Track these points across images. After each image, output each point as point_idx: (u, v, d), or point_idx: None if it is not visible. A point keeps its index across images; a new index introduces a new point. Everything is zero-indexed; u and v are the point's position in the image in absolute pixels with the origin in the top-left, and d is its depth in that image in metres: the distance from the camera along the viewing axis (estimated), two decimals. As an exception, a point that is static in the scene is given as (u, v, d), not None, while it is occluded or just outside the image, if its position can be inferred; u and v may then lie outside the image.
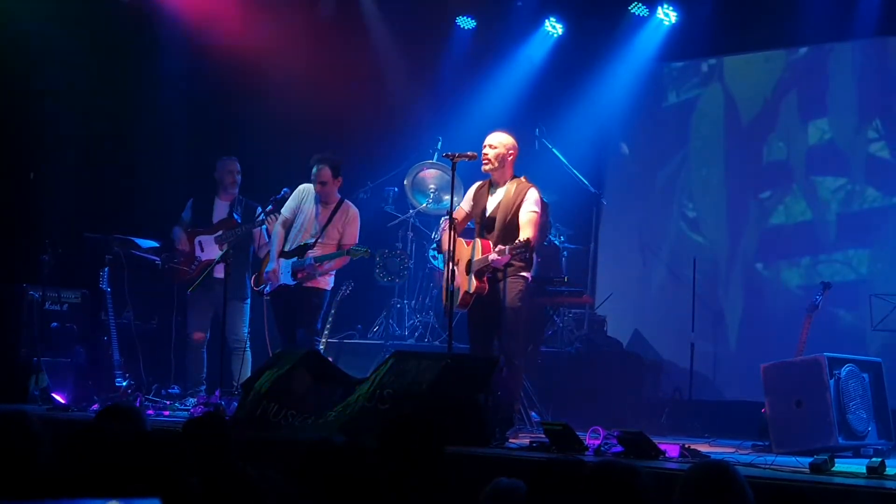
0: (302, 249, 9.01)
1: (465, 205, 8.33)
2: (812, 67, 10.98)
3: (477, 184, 8.41)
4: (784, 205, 10.91)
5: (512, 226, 7.96)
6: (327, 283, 9.18)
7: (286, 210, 9.25)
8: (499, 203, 8.10)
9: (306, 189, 9.24)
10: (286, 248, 9.14)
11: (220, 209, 9.98)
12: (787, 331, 9.42)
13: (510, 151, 8.18)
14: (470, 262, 8.03)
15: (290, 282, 9.01)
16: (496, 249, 7.73)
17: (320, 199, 9.15)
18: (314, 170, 9.07)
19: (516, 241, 7.65)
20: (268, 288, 9.13)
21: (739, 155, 11.23)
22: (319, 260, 8.96)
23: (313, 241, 9.02)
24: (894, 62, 10.53)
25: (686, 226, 11.45)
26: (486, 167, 8.17)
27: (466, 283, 7.99)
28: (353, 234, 9.12)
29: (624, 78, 11.67)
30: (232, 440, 4.96)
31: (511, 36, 12.06)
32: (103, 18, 10.59)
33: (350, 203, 9.28)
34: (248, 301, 9.89)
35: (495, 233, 8.02)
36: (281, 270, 9.06)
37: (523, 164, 8.68)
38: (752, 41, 11.09)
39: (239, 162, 10.05)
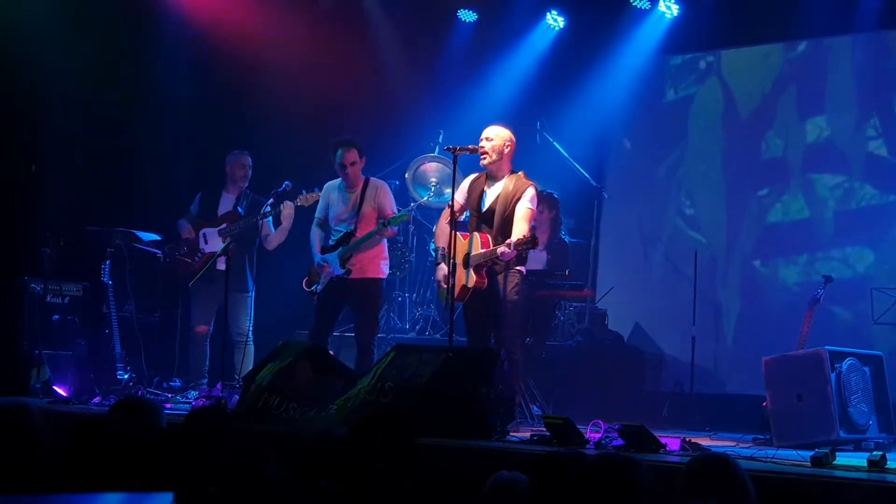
0: (346, 237, 8.98)
1: (459, 196, 8.24)
2: (811, 63, 10.98)
3: (472, 176, 8.36)
4: (782, 202, 10.91)
5: (510, 220, 7.96)
6: (381, 270, 9.07)
7: (318, 211, 9.22)
8: (497, 197, 8.07)
9: (329, 185, 9.24)
10: (329, 244, 9.11)
11: (226, 202, 9.98)
12: (788, 325, 9.43)
13: (507, 144, 8.15)
14: (467, 256, 8.03)
15: (340, 271, 8.92)
16: (505, 243, 7.73)
17: (345, 186, 9.10)
18: (339, 153, 9.00)
19: (520, 237, 7.65)
20: (319, 287, 9.03)
21: (739, 151, 11.22)
22: (361, 240, 8.89)
23: (353, 226, 8.97)
24: (894, 58, 10.52)
25: (686, 221, 11.44)
26: (485, 160, 8.15)
27: (464, 277, 7.99)
28: (388, 205, 9.04)
29: (625, 71, 11.67)
30: (233, 433, 4.97)
31: (512, 29, 12.05)
32: (106, 10, 10.57)
33: (375, 178, 9.24)
34: (251, 294, 9.89)
35: (494, 227, 8.01)
36: (330, 263, 9.04)
37: (525, 158, 8.67)
38: (754, 35, 11.08)
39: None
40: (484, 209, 8.13)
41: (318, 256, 9.11)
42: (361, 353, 8.94)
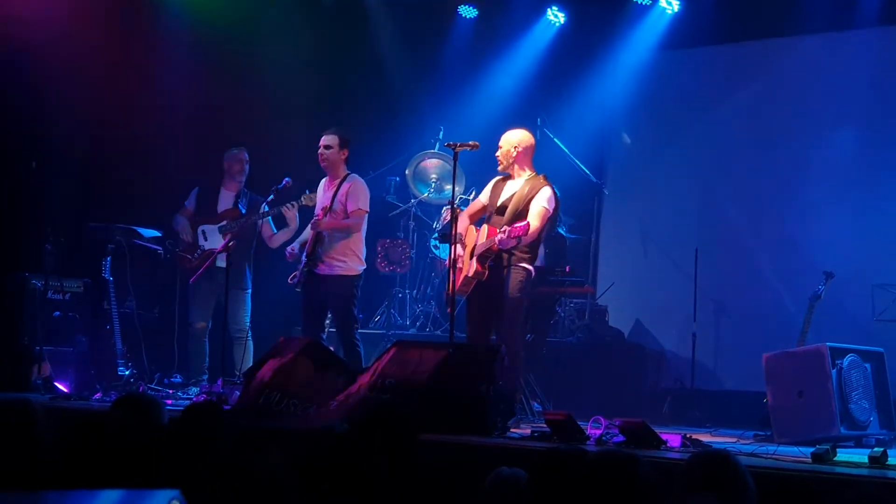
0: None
1: (482, 197, 8.44)
2: (813, 58, 10.95)
3: (497, 177, 8.46)
4: (782, 197, 10.88)
5: (521, 216, 8.00)
6: (351, 267, 9.02)
7: (316, 207, 9.24)
8: (512, 195, 8.18)
9: (323, 180, 9.25)
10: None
11: (226, 199, 9.99)
12: (789, 321, 9.44)
13: (515, 147, 8.25)
14: (475, 248, 8.09)
15: (305, 265, 8.95)
16: (501, 230, 7.78)
17: (327, 177, 9.13)
18: (322, 138, 9.05)
19: (518, 224, 7.70)
20: (296, 279, 9.03)
21: (740, 146, 11.21)
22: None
23: (317, 217, 9.00)
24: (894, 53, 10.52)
25: (687, 217, 11.43)
26: (500, 167, 8.33)
27: (468, 268, 8.05)
28: (355, 202, 8.99)
29: (626, 67, 11.67)
30: (230, 429, 4.96)
31: (513, 25, 12.05)
32: (105, 6, 10.57)
33: (357, 176, 9.18)
34: (250, 290, 9.90)
35: (504, 220, 8.05)
36: (298, 253, 9.05)
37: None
38: (755, 30, 11.08)
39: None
40: (499, 205, 8.20)
41: (295, 243, 9.17)
42: (345, 350, 8.95)
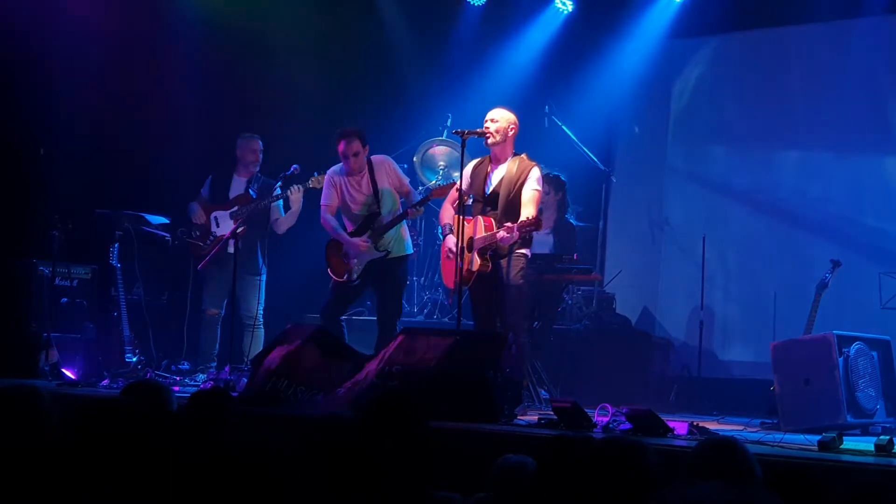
0: (371, 219, 8.90)
1: (462, 183, 8.26)
2: (822, 46, 10.92)
3: (474, 161, 8.39)
4: (790, 187, 10.86)
5: (514, 203, 7.99)
6: (408, 246, 9.04)
7: (326, 199, 9.04)
8: (501, 180, 8.12)
9: (333, 170, 9.09)
10: (352, 231, 9.00)
11: (237, 186, 9.99)
12: (796, 309, 9.43)
13: (511, 126, 8.18)
14: (471, 240, 8.03)
15: (377, 254, 8.86)
16: (504, 227, 7.73)
17: (348, 173, 8.98)
18: (343, 146, 8.84)
19: (524, 219, 7.67)
20: (356, 273, 8.91)
21: (748, 132, 11.19)
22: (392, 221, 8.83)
23: (377, 207, 8.88)
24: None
25: (694, 204, 11.42)
26: (490, 140, 8.17)
27: (469, 261, 8.01)
28: (401, 178, 8.99)
29: (634, 55, 11.63)
30: (235, 416, 4.96)
31: (521, 13, 12.02)
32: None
33: (376, 156, 9.08)
34: (263, 277, 9.88)
35: (498, 210, 8.03)
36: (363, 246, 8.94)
37: (533, 142, 8.68)
38: (764, 18, 11.05)
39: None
40: (488, 192, 8.15)
41: (348, 239, 8.97)
42: (384, 331, 8.76)
